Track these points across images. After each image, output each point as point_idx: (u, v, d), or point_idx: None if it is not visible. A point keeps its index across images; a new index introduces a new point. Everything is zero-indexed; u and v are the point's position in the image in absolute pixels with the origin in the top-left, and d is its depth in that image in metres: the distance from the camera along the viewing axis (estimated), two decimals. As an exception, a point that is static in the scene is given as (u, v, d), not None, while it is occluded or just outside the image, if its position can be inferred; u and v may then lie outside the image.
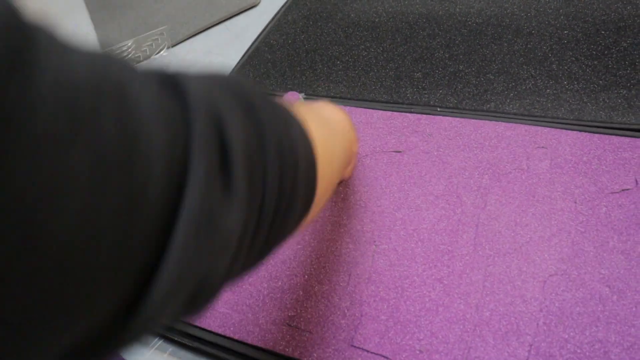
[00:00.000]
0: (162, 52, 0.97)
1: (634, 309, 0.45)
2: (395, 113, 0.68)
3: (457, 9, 0.82)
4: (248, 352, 0.51)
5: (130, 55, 0.97)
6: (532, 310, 0.48)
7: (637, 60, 0.66)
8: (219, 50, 0.93)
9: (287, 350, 0.50)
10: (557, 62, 0.69)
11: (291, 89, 0.76)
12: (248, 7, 1.01)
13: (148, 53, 0.97)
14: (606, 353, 0.43)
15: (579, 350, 0.44)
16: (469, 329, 0.47)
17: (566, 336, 0.45)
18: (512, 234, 0.53)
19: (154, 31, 1.00)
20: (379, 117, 0.68)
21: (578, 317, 0.46)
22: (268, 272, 0.56)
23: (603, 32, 0.72)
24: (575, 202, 0.54)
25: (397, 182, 0.60)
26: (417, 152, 0.63)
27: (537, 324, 0.47)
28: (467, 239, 0.54)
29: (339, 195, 0.61)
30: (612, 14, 0.74)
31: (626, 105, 0.61)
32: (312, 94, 0.74)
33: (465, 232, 0.54)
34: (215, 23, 0.99)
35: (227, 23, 0.99)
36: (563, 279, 0.49)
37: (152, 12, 1.07)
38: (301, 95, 0.72)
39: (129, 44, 0.99)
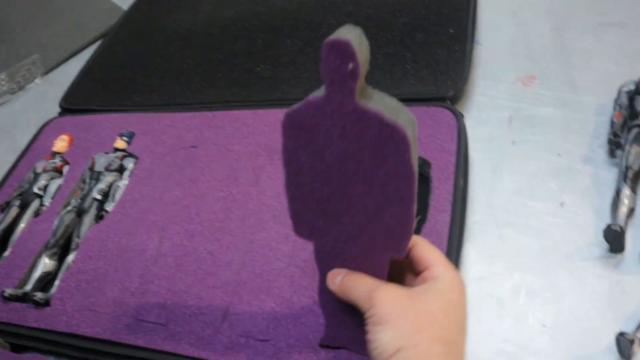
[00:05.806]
0: (36, 81, 1.01)
1: None
2: (196, 113, 0.76)
3: (262, 9, 0.90)
4: (57, 339, 0.58)
5: (4, 88, 1.01)
6: (282, 267, 0.56)
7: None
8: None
9: (87, 331, 0.57)
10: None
11: (113, 102, 0.83)
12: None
13: (22, 83, 1.01)
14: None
15: (314, 295, 0.53)
16: (229, 291, 0.56)
17: (305, 284, 0.54)
18: (276, 204, 0.62)
19: (25, 60, 1.04)
20: (182, 119, 0.76)
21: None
22: (76, 265, 0.63)
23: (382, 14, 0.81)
24: None
25: (189, 174, 0.68)
26: (209, 145, 0.71)
27: (284, 277, 0.55)
28: (237, 214, 0.62)
29: (141, 193, 0.68)
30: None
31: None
32: (129, 105, 0.81)
33: (238, 208, 0.63)
34: (87, 44, 1.03)
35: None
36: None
37: (23, 42, 1.10)
38: None
39: (2, 76, 1.03)
